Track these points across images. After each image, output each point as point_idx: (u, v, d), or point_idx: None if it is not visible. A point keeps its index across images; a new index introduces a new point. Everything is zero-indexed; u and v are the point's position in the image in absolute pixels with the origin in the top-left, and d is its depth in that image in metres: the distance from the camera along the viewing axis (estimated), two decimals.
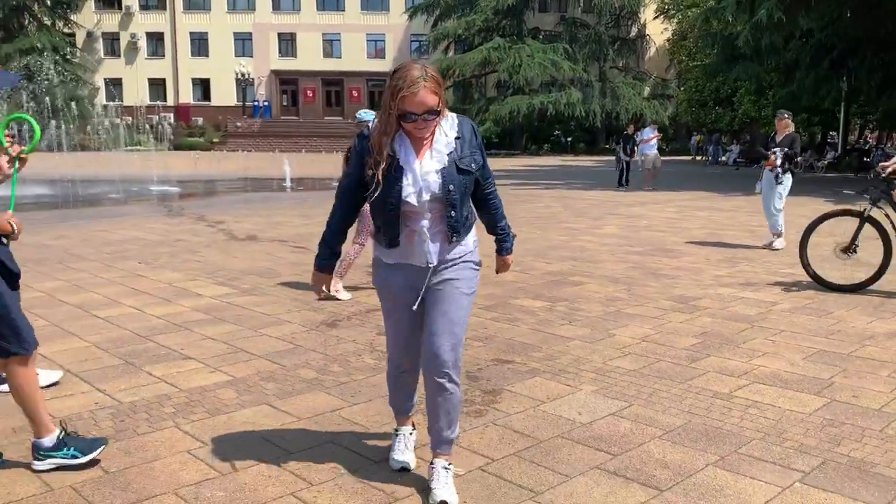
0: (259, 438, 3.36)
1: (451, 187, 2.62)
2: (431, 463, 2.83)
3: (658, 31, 50.84)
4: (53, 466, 3.00)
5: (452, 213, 2.65)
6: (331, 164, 27.78)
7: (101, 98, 51.75)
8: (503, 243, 2.98)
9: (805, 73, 25.90)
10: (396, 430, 3.09)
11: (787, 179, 9.21)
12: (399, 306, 2.80)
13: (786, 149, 9.09)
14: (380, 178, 2.56)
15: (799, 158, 9.35)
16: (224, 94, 55.21)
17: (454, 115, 2.71)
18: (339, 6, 55.09)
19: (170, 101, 54.86)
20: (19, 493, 2.85)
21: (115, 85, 53.74)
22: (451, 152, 2.64)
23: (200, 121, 53.30)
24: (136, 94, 53.29)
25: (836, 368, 4.44)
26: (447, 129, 2.66)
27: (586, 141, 50.74)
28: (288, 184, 20.28)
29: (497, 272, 3.08)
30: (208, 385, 4.07)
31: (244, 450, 3.23)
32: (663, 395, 3.95)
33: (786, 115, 9.42)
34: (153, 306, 5.89)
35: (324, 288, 2.85)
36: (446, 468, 2.80)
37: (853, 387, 4.11)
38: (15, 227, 2.96)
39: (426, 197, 2.61)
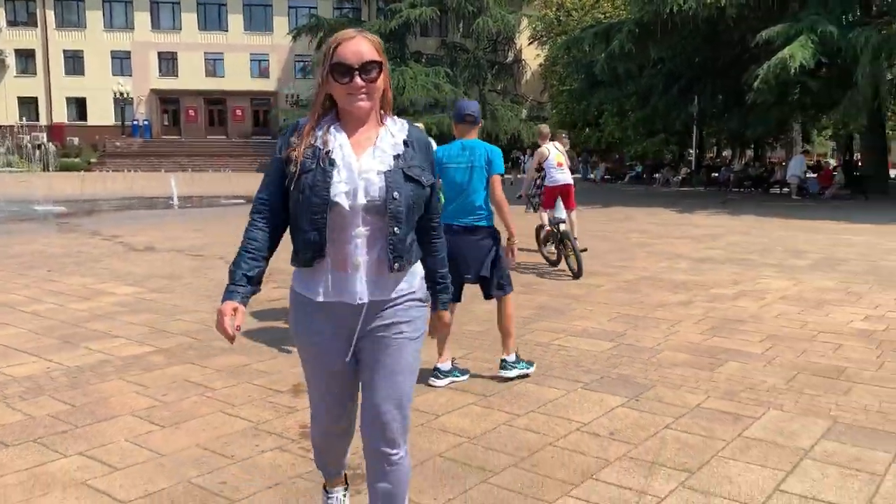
0: (188, 382, 4.40)
1: (396, 195, 2.13)
2: None
3: (532, 57, 53.80)
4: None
5: (395, 231, 2.15)
6: (217, 183, 28.18)
7: None
8: (442, 294, 2.45)
9: (658, 98, 28.67)
10: (328, 494, 2.61)
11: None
12: (324, 359, 2.28)
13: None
14: (304, 170, 2.12)
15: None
16: (101, 114, 53.75)
17: (404, 120, 2.29)
18: (222, 26, 54.89)
19: (42, 121, 52.90)
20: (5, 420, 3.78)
21: None
22: (397, 155, 2.18)
23: (77, 140, 51.75)
24: (5, 112, 51.17)
25: (630, 325, 5.91)
26: (394, 131, 2.22)
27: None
28: (175, 202, 20.69)
29: (431, 334, 2.48)
30: (140, 353, 5.04)
31: (178, 389, 4.27)
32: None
33: (564, 135, 10.91)
34: (74, 303, 6.70)
35: (231, 326, 2.12)
36: None
37: (638, 335, 5.58)
38: None
39: (362, 200, 2.12)
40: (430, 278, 2.41)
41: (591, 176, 40.82)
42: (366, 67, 2.09)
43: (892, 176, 29.89)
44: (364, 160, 2.15)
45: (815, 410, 3.98)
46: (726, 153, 48.50)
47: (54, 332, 5.60)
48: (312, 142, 2.15)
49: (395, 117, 2.26)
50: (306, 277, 2.23)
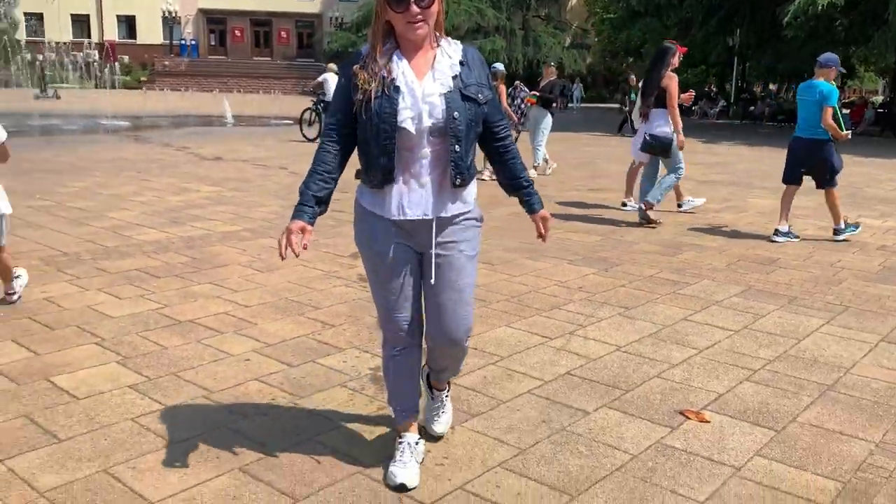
0: (272, 248, 5.89)
1: (456, 114, 2.25)
2: (431, 393, 2.80)
3: None
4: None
5: (456, 148, 2.28)
6: (265, 104, 29.59)
7: (22, 33, 51.05)
8: (533, 196, 2.54)
9: (698, 29, 29.00)
10: (399, 438, 2.62)
11: (548, 118, 11.15)
12: (391, 269, 2.40)
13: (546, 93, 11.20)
14: (371, 97, 2.23)
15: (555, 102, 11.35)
16: (150, 33, 54.92)
17: (458, 41, 2.37)
18: None
19: (94, 38, 54.35)
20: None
21: (36, 19, 52.89)
22: (455, 76, 2.29)
23: (126, 59, 53.25)
24: (59, 29, 52.63)
25: (620, 228, 7.25)
26: (450, 52, 2.32)
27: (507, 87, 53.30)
28: (229, 120, 22.19)
29: (540, 236, 2.58)
30: (232, 230, 6.56)
31: (267, 252, 5.76)
32: None
33: (552, 64, 11.90)
34: (169, 195, 8.26)
35: (298, 245, 2.26)
36: (448, 395, 2.83)
37: (623, 233, 6.93)
38: None
39: (427, 123, 2.25)
40: (514, 185, 2.52)
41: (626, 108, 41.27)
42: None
43: None
44: (426, 84, 2.26)
45: (738, 281, 5.34)
46: (773, 87, 48.29)
47: (162, 216, 7.14)
48: (376, 70, 2.24)
49: (448, 38, 2.35)
50: (375, 195, 2.36)
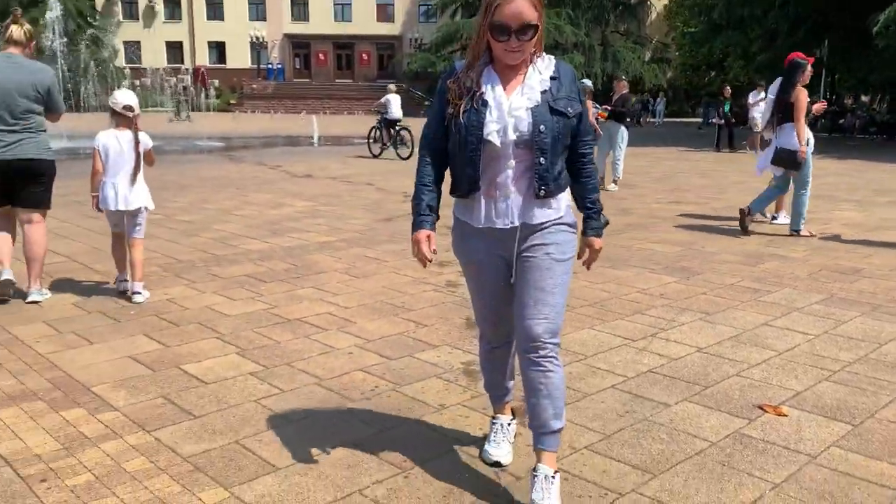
0: (366, 257, 6.27)
1: (542, 128, 2.32)
2: (534, 469, 2.46)
3: None
4: None
5: (541, 161, 2.34)
6: (349, 124, 30.52)
7: (121, 60, 54.14)
8: (591, 221, 2.55)
9: (784, 40, 28.38)
10: (493, 419, 2.83)
11: (623, 132, 11.37)
12: (484, 277, 2.53)
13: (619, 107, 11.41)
14: (460, 111, 2.34)
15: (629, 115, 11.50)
16: (238, 57, 57.34)
17: (551, 56, 2.43)
18: None
19: (186, 64, 57.11)
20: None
21: (133, 47, 56.01)
22: (545, 91, 2.36)
23: (216, 82, 55.80)
24: (154, 56, 55.56)
25: (701, 237, 7.33)
26: (542, 68, 2.40)
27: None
28: (315, 140, 23.06)
29: (583, 261, 2.61)
30: (327, 241, 7.00)
31: (361, 260, 6.15)
32: None
33: (623, 79, 11.99)
34: (268, 210, 8.81)
35: (428, 251, 2.44)
36: (550, 477, 2.42)
37: (704, 244, 7.02)
38: None
39: (512, 137, 2.33)
40: (580, 204, 2.54)
41: (713, 120, 40.58)
42: (523, 29, 2.27)
43: None
44: (514, 98, 2.34)
45: (820, 290, 5.39)
46: (865, 98, 46.57)
47: (263, 228, 7.66)
48: (468, 84, 2.35)
49: (543, 54, 2.42)
50: (465, 205, 2.48)
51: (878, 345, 4.17)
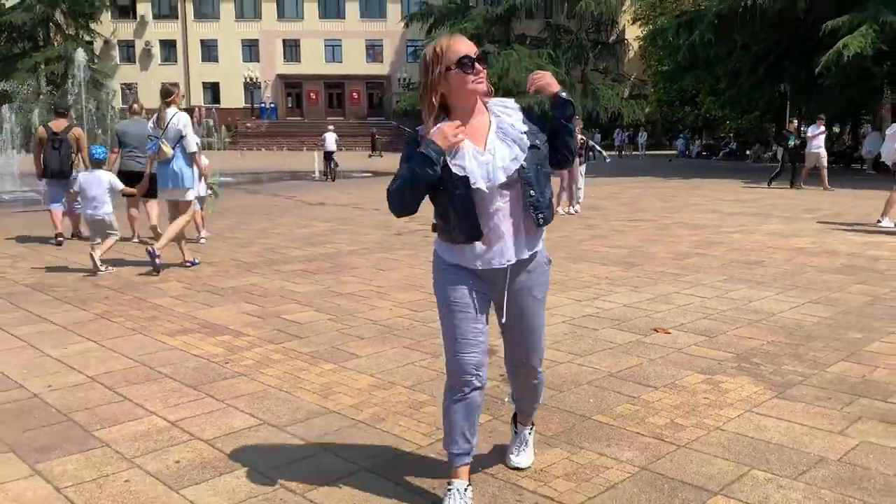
0: (387, 259, 8.18)
1: (524, 164, 2.45)
2: (515, 429, 3.02)
3: (634, 36, 55.46)
4: None
5: (532, 192, 2.47)
6: (345, 159, 32.60)
7: (118, 102, 56.01)
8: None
9: (745, 79, 30.88)
10: (449, 484, 2.65)
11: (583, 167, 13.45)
12: (466, 313, 2.54)
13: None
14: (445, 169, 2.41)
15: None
16: (233, 97, 59.18)
17: (509, 98, 2.59)
18: (340, 14, 58.86)
19: (182, 104, 58.85)
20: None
21: (130, 89, 57.95)
22: (510, 126, 2.50)
23: (211, 122, 57.77)
24: (150, 97, 57.36)
25: (647, 243, 9.32)
26: (500, 111, 2.54)
27: None
28: (317, 174, 25.08)
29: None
30: (353, 249, 8.92)
31: (383, 262, 8.04)
32: None
33: (577, 118, 13.82)
34: (297, 229, 10.75)
35: (453, 132, 2.41)
36: (531, 432, 3.03)
37: (648, 247, 9.00)
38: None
39: (501, 178, 2.44)
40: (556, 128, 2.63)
41: (687, 152, 43.14)
42: (481, 56, 2.43)
43: None
44: (489, 144, 2.45)
45: (724, 274, 7.34)
46: (835, 129, 49.29)
47: (299, 241, 9.57)
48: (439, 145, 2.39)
49: (493, 98, 2.55)
50: (454, 250, 2.55)
51: (749, 301, 6.12)
